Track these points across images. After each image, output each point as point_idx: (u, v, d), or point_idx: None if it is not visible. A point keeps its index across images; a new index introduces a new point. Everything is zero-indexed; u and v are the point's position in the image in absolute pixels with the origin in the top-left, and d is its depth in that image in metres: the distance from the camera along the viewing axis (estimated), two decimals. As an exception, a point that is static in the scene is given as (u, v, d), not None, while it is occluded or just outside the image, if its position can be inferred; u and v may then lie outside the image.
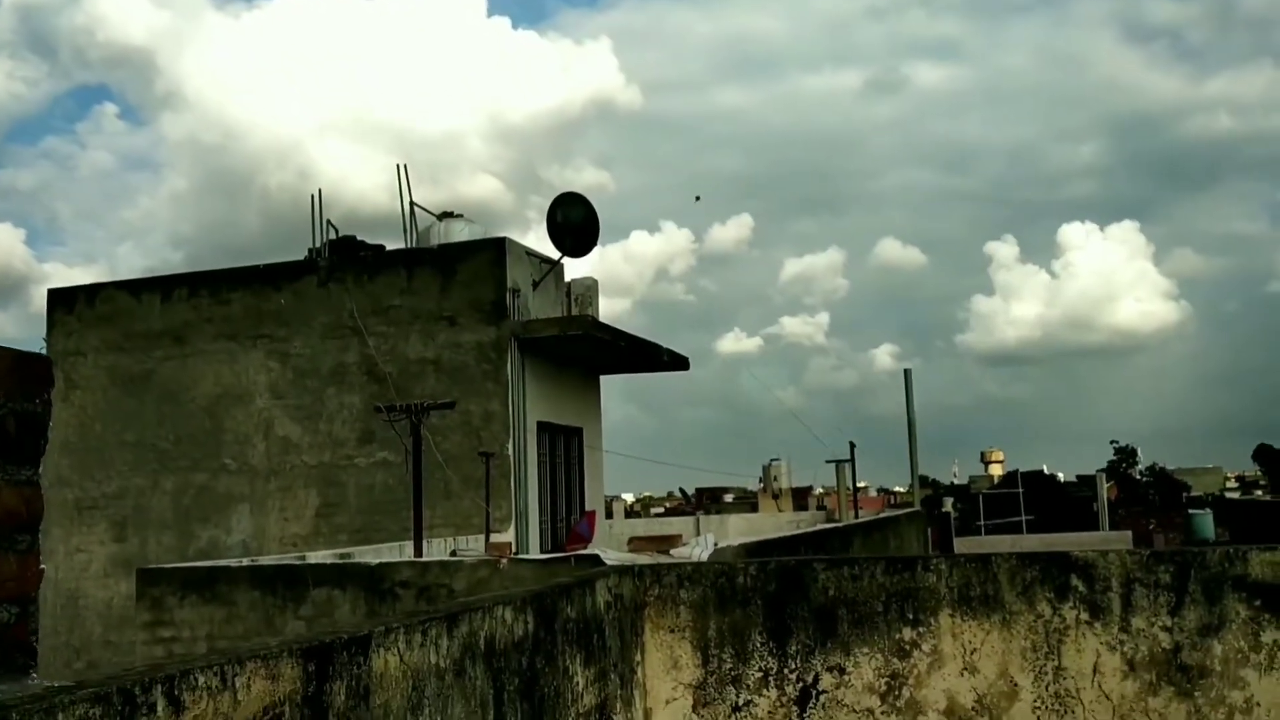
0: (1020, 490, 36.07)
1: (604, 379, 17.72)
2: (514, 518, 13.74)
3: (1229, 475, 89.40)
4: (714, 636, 5.38)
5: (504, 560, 8.06)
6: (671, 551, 8.53)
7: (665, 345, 17.00)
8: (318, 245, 15.73)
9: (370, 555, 10.31)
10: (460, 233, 15.69)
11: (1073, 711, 4.92)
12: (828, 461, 23.54)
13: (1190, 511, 40.11)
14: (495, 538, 12.53)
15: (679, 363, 17.80)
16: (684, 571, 5.51)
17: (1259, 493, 64.18)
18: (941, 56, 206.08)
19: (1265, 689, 4.78)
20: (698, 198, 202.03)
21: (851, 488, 24.32)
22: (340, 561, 9.26)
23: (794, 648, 5.22)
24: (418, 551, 10.52)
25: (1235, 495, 64.98)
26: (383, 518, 14.11)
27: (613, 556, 7.29)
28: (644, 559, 7.58)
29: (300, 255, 15.89)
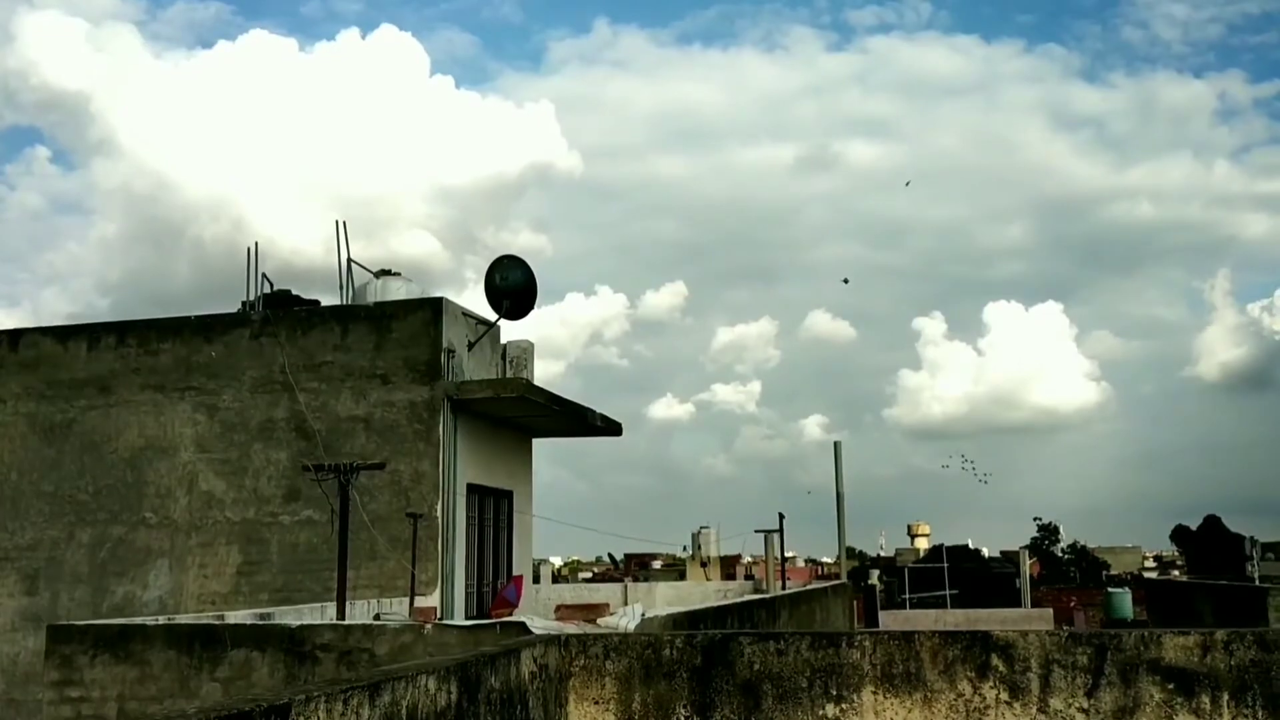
0: (945, 564, 36.36)
1: (536, 442, 17.65)
2: (440, 581, 13.56)
3: (1147, 554, 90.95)
4: (639, 709, 5.36)
5: (428, 625, 7.95)
6: (599, 621, 8.48)
7: (598, 409, 17.02)
8: (251, 298, 15.58)
9: (291, 616, 10.11)
10: (397, 291, 15.64)
11: (992, 792, 4.97)
12: (756, 531, 23.58)
13: (1110, 590, 40.65)
14: (420, 601, 12.35)
15: (611, 428, 17.81)
16: (611, 642, 5.50)
17: (1176, 573, 65.38)
18: (875, 135, 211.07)
19: (1177, 772, 4.87)
20: (845, 280, 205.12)
21: (779, 558, 24.38)
22: (260, 622, 9.07)
23: (718, 722, 5.22)
24: (340, 614, 10.33)
25: (1153, 575, 66.14)
26: (305, 578, 13.85)
27: (539, 625, 7.23)
28: (571, 628, 7.52)
29: (232, 307, 15.71)
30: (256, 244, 16.23)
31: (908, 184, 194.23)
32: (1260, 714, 4.83)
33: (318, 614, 10.85)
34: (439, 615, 12.43)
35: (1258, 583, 31.28)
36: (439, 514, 13.77)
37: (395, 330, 14.56)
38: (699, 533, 47.23)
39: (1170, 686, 4.94)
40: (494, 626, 7.84)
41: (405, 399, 14.27)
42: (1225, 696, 4.88)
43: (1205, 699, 4.89)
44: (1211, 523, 57.57)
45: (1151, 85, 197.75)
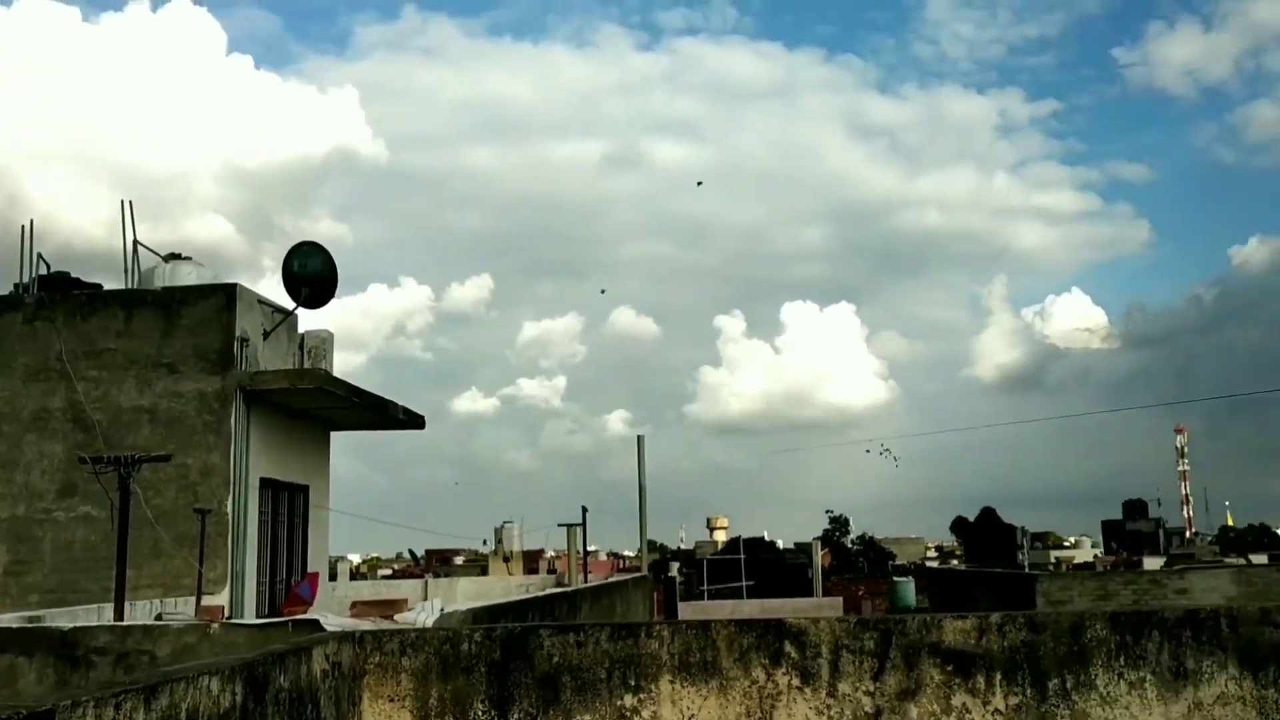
0: (742, 556, 37.31)
1: (336, 435, 17.16)
2: (230, 579, 13.01)
3: (930, 545, 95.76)
4: (435, 705, 5.27)
5: (215, 625, 7.61)
6: (396, 617, 8.30)
7: (401, 402, 16.68)
8: (25, 280, 14.56)
9: (64, 618, 9.50)
10: (187, 276, 14.90)
11: (782, 775, 5.10)
12: (559, 525, 23.63)
13: (895, 579, 42.60)
14: (208, 600, 11.82)
15: (414, 421, 17.48)
16: (407, 638, 5.38)
17: (955, 562, 69.12)
18: (681, 135, 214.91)
19: (954, 749, 5.12)
20: (603, 290, 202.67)
21: (582, 551, 24.50)
22: (28, 625, 8.48)
23: (516, 715, 5.18)
24: (118, 615, 9.77)
25: (934, 564, 69.68)
26: (82, 578, 13.05)
27: (333, 622, 7.02)
28: (366, 625, 7.34)
29: (4, 289, 14.66)
30: (32, 221, 15.15)
31: (699, 184, 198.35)
32: (1029, 690, 5.12)
33: (94, 615, 10.24)
34: (228, 614, 11.92)
35: (1028, 570, 33.37)
36: (229, 509, 13.21)
37: (184, 317, 13.88)
38: (502, 527, 46.98)
39: (949, 668, 5.18)
40: (286, 625, 7.57)
41: (194, 389, 13.62)
42: (998, 676, 5.15)
43: (980, 679, 5.15)
44: (987, 514, 61.17)
45: (940, 99, 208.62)
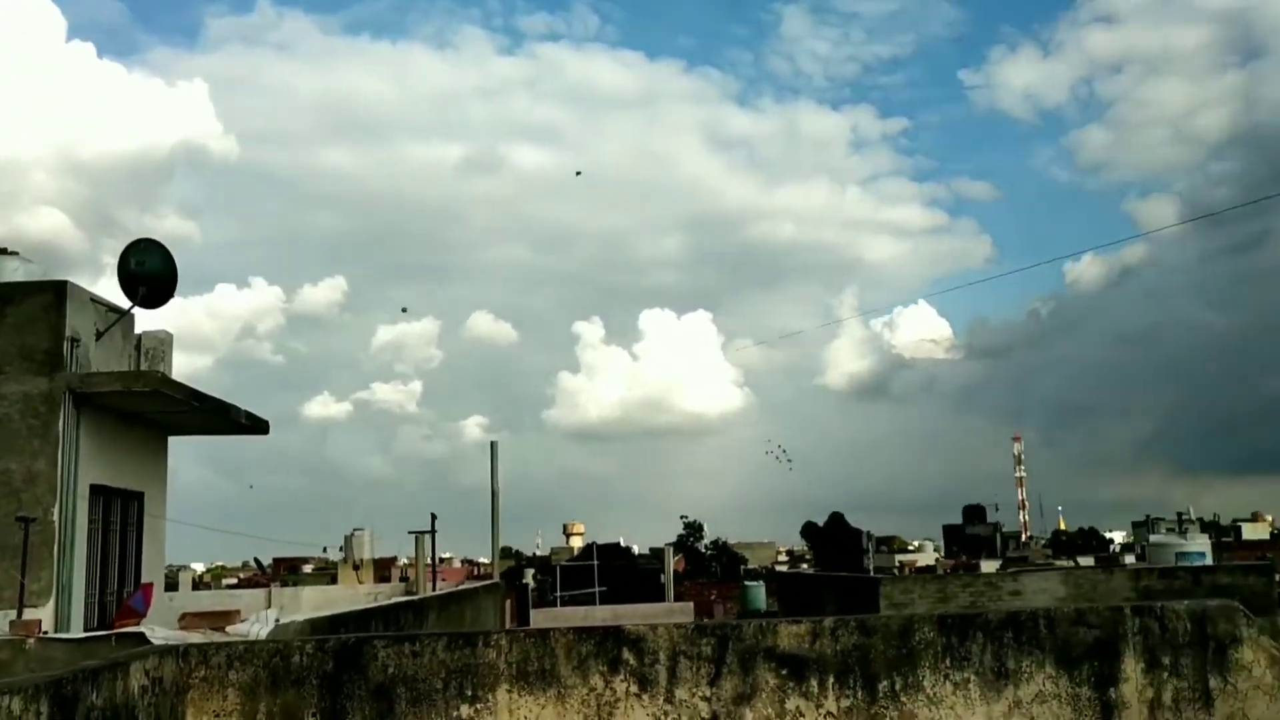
0: (595, 562, 37.35)
1: (177, 440, 16.51)
2: (55, 591, 12.38)
3: (781, 549, 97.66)
4: (264, 719, 5.10)
5: (30, 639, 7.22)
6: (228, 629, 8.01)
7: (248, 407, 16.14)
8: None
9: None
10: (14, 272, 14.14)
11: (618, 782, 5.10)
12: (410, 532, 23.23)
13: (746, 583, 43.31)
14: (31, 613, 11.22)
15: (258, 426, 16.94)
16: (235, 651, 5.20)
17: (805, 565, 70.62)
18: (542, 141, 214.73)
19: (787, 752, 5.20)
20: (404, 309, 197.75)
21: (432, 559, 24.14)
22: None
23: (349, 729, 5.05)
24: (-72, 630, 9.20)
25: (785, 568, 71.09)
26: (-112, 591, 12.23)
27: (161, 635, 6.73)
28: (196, 637, 7.07)
29: None
30: None
31: (578, 174, 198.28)
32: (860, 693, 5.24)
33: (-100, 631, 9.61)
34: (52, 628, 11.34)
35: (873, 573, 34.31)
36: (55, 517, 12.57)
37: (9, 315, 13.16)
38: (352, 535, 46.02)
39: (784, 672, 5.27)
40: (109, 639, 7.24)
41: (19, 391, 12.93)
42: (831, 679, 5.25)
43: (814, 682, 5.24)
44: (836, 519, 62.67)
45: (796, 114, 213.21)
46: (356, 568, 40.95)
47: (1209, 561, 34.63)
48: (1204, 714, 5.34)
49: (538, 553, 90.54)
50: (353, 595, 22.89)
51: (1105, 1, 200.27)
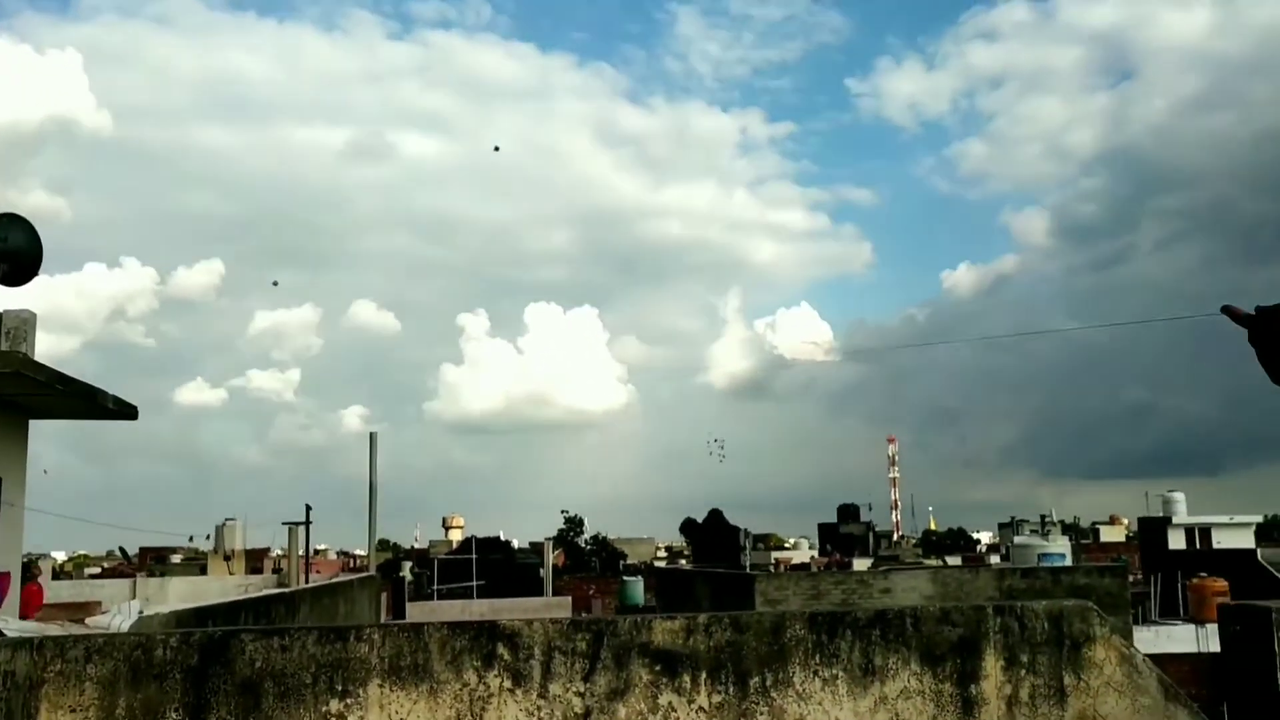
0: (474, 556, 37.12)
1: (37, 424, 15.86)
2: (-100, 579, 11.81)
3: (660, 545, 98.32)
4: (123, 715, 4.95)
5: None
6: (88, 621, 7.73)
7: (117, 391, 15.59)
8: None
9: None
10: None
11: (489, 778, 5.08)
12: (283, 523, 22.77)
13: (625, 578, 43.52)
14: None
15: (126, 411, 16.39)
16: (93, 644, 5.03)
17: (683, 561, 71.25)
18: (431, 129, 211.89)
19: (659, 747, 5.25)
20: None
21: (306, 551, 23.70)
22: None
23: (213, 725, 4.93)
24: None
25: (663, 564, 71.63)
26: None
27: (14, 627, 6.47)
28: (53, 629, 6.81)
29: None
30: None
31: (496, 149, 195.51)
32: (732, 689, 5.31)
33: None
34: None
35: (749, 570, 34.79)
36: (-97, 503, 11.99)
37: None
38: (224, 525, 44.89)
39: (658, 668, 5.30)
40: (-41, 630, 6.91)
41: None
42: (703, 675, 5.31)
43: (686, 678, 5.29)
44: (714, 516, 63.23)
45: (686, 113, 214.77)
46: (227, 558, 39.97)
47: (1069, 562, 35.99)
48: (1058, 710, 5.56)
49: (416, 546, 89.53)
50: (223, 587, 22.32)
51: (987, 19, 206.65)
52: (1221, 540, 47.33)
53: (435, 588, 35.20)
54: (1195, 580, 31.06)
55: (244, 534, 44.92)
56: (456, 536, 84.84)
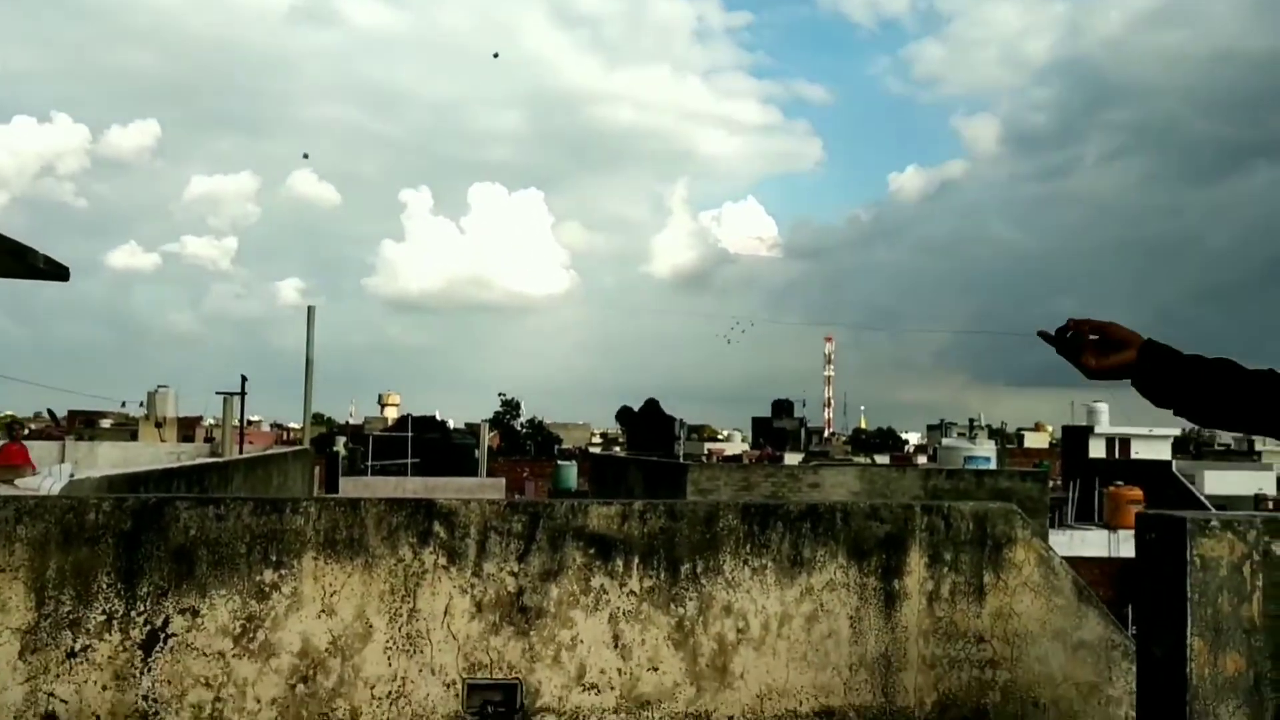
0: (409, 434, 37.20)
1: (-39, 280, 15.45)
2: None
3: (595, 432, 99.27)
4: (53, 577, 4.94)
5: None
6: (17, 482, 7.66)
7: (47, 251, 15.18)
8: None
9: None
10: None
11: (421, 651, 5.17)
12: (217, 393, 22.59)
13: (559, 463, 43.99)
14: None
15: (57, 272, 16.00)
16: (24, 505, 4.99)
17: (618, 449, 72.06)
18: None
19: (589, 627, 5.36)
20: (305, 155, 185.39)
21: (240, 421, 23.57)
22: None
23: (145, 589, 4.94)
24: None
25: (598, 450, 72.41)
26: None
27: (-59, 484, 6.38)
28: (-18, 488, 6.74)
29: None
30: None
31: (495, 55, 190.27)
32: (663, 574, 5.42)
33: None
34: None
35: (683, 459, 35.28)
36: None
37: None
38: (156, 392, 44.45)
39: (591, 551, 5.39)
40: (-117, 486, 6.82)
41: None
42: (636, 560, 5.41)
43: (619, 562, 5.39)
44: (651, 405, 63.75)
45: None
46: (159, 426, 39.66)
47: (993, 466, 36.97)
48: (976, 607, 5.76)
49: (351, 422, 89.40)
50: (154, 453, 22.18)
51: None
52: (1140, 451, 48.88)
53: (369, 464, 35.30)
54: (1112, 488, 32.08)
55: (176, 402, 44.53)
56: (392, 414, 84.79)
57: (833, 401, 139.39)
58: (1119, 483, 32.87)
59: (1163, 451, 48.92)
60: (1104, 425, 51.45)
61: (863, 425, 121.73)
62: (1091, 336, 2.20)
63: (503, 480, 32.13)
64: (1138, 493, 30.75)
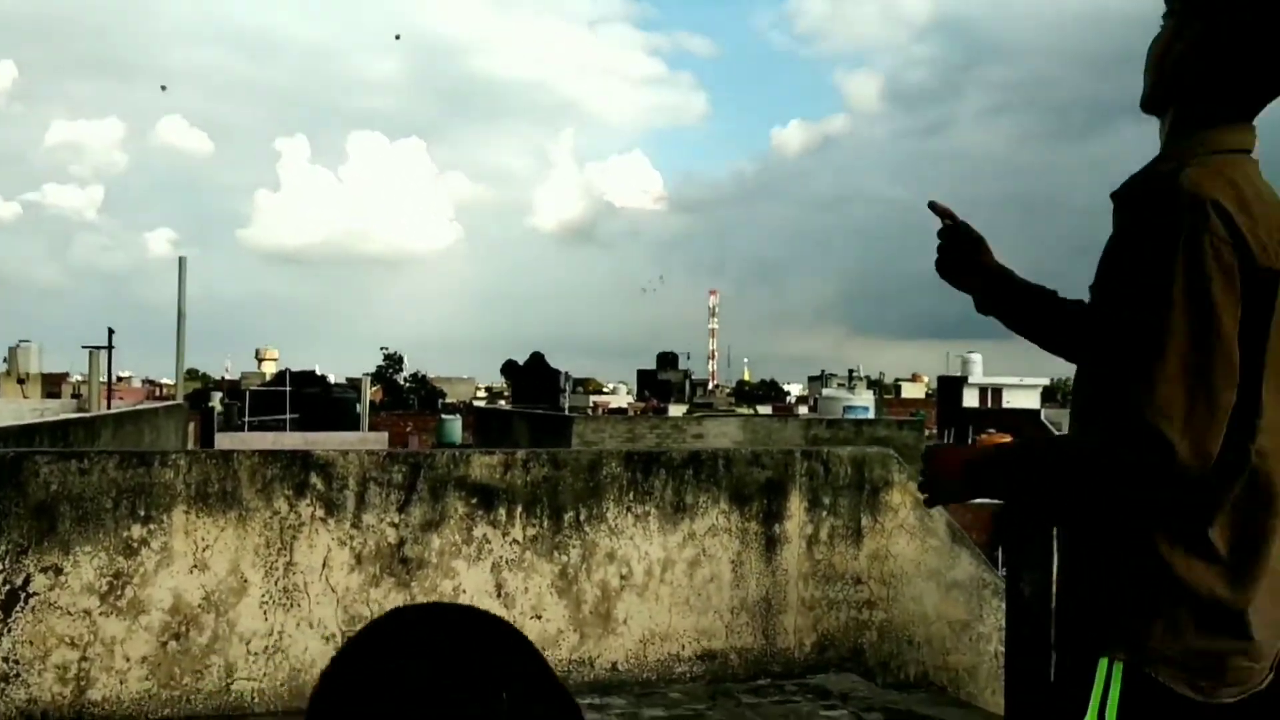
0: (288, 389, 36.38)
1: None
2: None
3: (480, 386, 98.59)
4: (-97, 537, 4.69)
5: None
6: None
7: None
8: None
9: None
10: None
11: (299, 605, 5.07)
12: (83, 347, 21.73)
13: (443, 416, 43.58)
14: None
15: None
16: None
17: (503, 402, 71.73)
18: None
19: (471, 577, 5.32)
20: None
21: (108, 377, 22.74)
22: None
23: (5, 547, 4.73)
24: None
25: (483, 404, 71.95)
26: None
27: None
28: None
29: None
30: None
31: (397, 37, 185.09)
32: (546, 522, 5.40)
33: None
34: None
35: (568, 412, 35.30)
36: None
37: None
38: (17, 346, 42.64)
39: (474, 501, 5.34)
40: None
41: None
42: (519, 508, 5.38)
43: (502, 511, 5.35)
44: (536, 358, 63.57)
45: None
46: (21, 382, 38.06)
47: (872, 415, 37.83)
48: (854, 549, 5.88)
49: (226, 377, 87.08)
50: (16, 410, 21.25)
51: None
52: (1011, 400, 50.64)
53: (246, 420, 34.44)
54: (983, 435, 33.12)
55: (40, 357, 42.78)
56: (270, 369, 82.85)
57: (716, 354, 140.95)
58: (990, 430, 33.89)
59: (1033, 400, 50.76)
60: (977, 375, 53.12)
61: (746, 377, 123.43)
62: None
63: (385, 434, 31.67)
64: (1007, 439, 31.78)
